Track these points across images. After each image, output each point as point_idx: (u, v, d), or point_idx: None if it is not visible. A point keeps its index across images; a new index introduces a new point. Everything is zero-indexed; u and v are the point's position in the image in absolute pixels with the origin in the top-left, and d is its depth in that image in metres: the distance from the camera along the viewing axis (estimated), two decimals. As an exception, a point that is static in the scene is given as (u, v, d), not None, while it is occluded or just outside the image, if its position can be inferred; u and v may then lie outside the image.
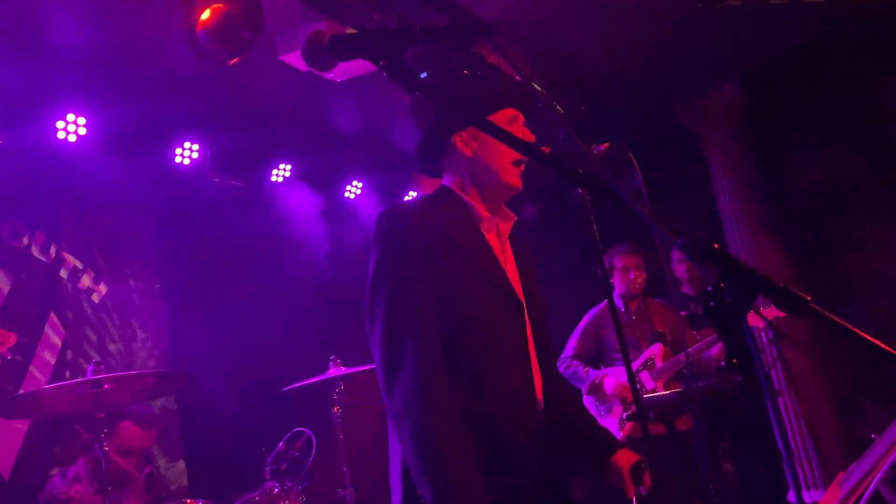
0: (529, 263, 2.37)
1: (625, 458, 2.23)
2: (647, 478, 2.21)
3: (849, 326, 1.16)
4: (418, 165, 2.41)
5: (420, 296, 2.06)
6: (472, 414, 2.02)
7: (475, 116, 2.03)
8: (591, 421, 2.42)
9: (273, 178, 6.64)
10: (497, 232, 2.29)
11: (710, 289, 1.21)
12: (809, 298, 1.19)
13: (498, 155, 2.23)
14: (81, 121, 5.18)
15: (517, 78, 2.11)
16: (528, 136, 2.28)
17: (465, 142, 2.25)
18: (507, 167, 2.25)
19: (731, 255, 1.23)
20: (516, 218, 2.35)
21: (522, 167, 2.27)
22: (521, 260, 2.33)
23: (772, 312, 4.21)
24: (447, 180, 2.32)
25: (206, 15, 3.92)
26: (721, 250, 1.21)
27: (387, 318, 2.05)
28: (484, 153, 2.24)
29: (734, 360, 1.19)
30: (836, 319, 1.17)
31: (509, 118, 2.27)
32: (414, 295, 2.06)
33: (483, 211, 2.24)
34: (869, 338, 1.16)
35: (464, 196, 2.25)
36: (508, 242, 2.32)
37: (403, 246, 2.11)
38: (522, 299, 2.22)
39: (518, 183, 2.28)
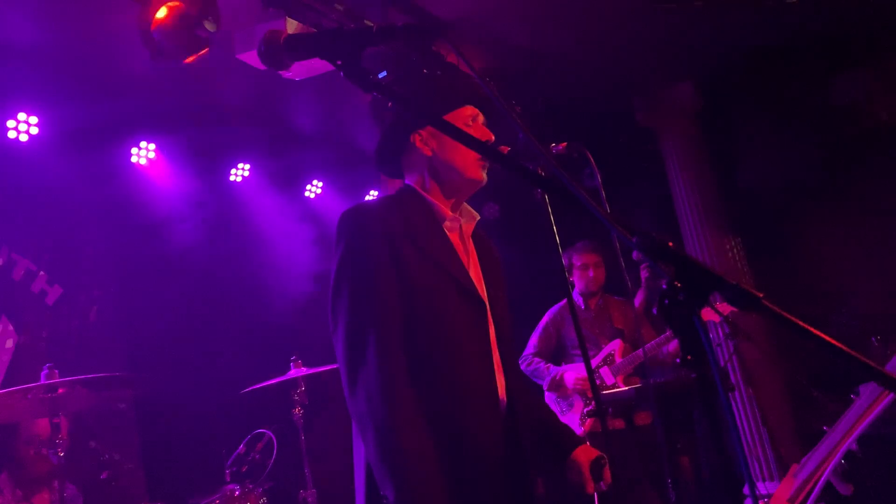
0: (493, 262, 2.37)
1: (584, 454, 2.26)
2: (606, 473, 2.24)
3: (801, 323, 1.19)
4: (378, 166, 2.39)
5: (382, 296, 2.06)
6: (434, 413, 2.02)
7: (433, 115, 2.04)
8: (552, 418, 2.44)
9: (231, 178, 6.58)
10: (460, 231, 2.28)
11: (664, 287, 1.23)
12: (762, 295, 1.21)
13: (459, 152, 2.22)
14: (33, 119, 5.08)
15: (475, 77, 2.13)
16: (486, 134, 2.27)
17: (424, 140, 2.24)
18: (470, 163, 2.23)
19: (686, 253, 1.25)
20: (479, 217, 2.35)
21: (485, 162, 2.26)
22: (484, 259, 2.33)
23: (727, 307, 4.28)
24: (409, 179, 2.31)
25: (161, 13, 3.87)
26: (676, 249, 1.23)
27: (349, 319, 2.05)
28: (444, 151, 2.23)
29: (688, 357, 1.21)
30: (789, 316, 1.20)
31: (469, 116, 2.26)
32: (376, 296, 2.05)
33: (446, 210, 2.24)
34: (820, 334, 1.18)
35: (426, 195, 2.25)
36: (471, 241, 2.32)
37: (365, 246, 2.10)
38: (485, 298, 2.22)
39: (482, 177, 2.27)
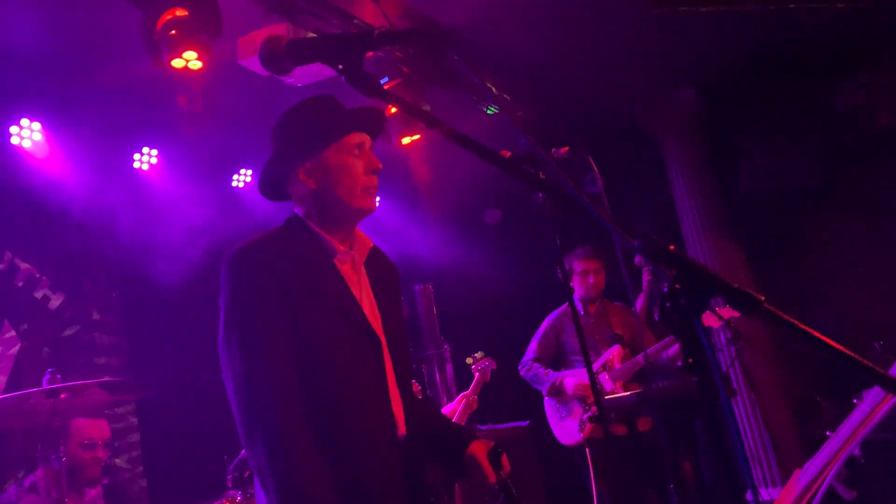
0: (388, 287, 2.32)
1: (480, 447, 2.22)
2: (505, 461, 2.20)
3: (803, 327, 1.19)
4: (260, 189, 2.30)
5: (273, 345, 2.01)
6: (334, 454, 2.01)
7: (316, 149, 2.11)
8: (445, 424, 2.39)
9: (234, 184, 6.59)
10: (352, 262, 2.23)
11: (665, 290, 1.23)
12: (763, 299, 1.21)
13: (343, 185, 2.16)
14: (36, 126, 5.09)
15: (478, 82, 2.13)
16: (374, 162, 2.21)
17: (308, 173, 2.17)
18: (356, 195, 2.18)
19: (687, 256, 1.25)
20: (372, 244, 2.29)
21: (374, 189, 2.21)
22: (379, 285, 2.28)
23: (728, 312, 4.28)
24: (297, 209, 2.25)
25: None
26: (677, 252, 1.23)
27: (242, 370, 2.00)
28: (329, 183, 2.16)
29: (689, 361, 1.21)
30: (791, 320, 1.20)
31: (355, 145, 2.19)
32: (267, 342, 2.01)
33: (336, 244, 2.18)
34: (823, 337, 1.18)
35: (314, 227, 2.19)
36: (364, 271, 2.26)
37: (252, 291, 2.05)
38: (381, 331, 2.19)
39: (371, 205, 2.21)
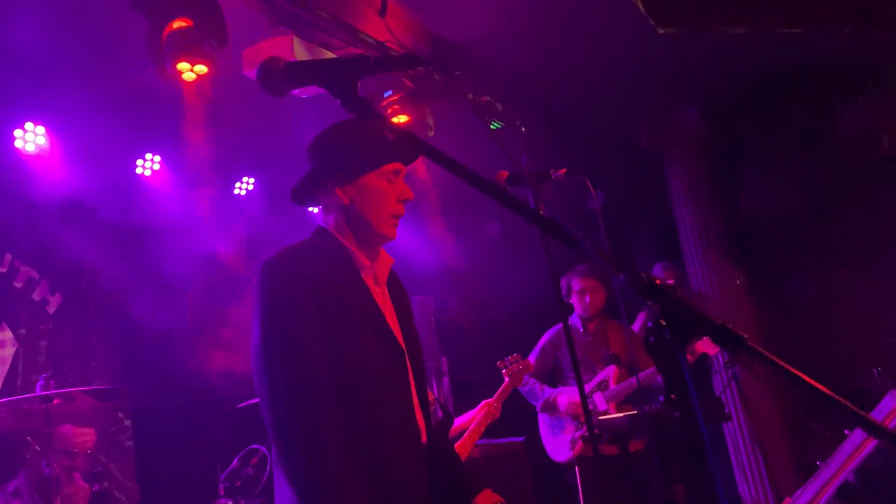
0: (405, 303, 2.44)
1: (484, 500, 2.33)
2: None
3: (786, 365, 1.19)
4: (293, 195, 2.40)
5: (312, 354, 2.09)
6: (365, 459, 2.10)
7: (357, 170, 2.24)
8: (458, 462, 2.48)
9: (236, 192, 6.61)
10: (375, 278, 2.33)
11: (650, 324, 1.23)
12: (747, 336, 1.21)
13: (374, 208, 2.28)
14: (40, 129, 5.12)
15: (470, 102, 2.15)
16: (406, 192, 2.32)
17: (344, 189, 2.29)
18: (383, 220, 2.29)
19: (673, 290, 1.25)
20: (393, 261, 2.41)
21: (398, 219, 2.32)
22: (397, 301, 2.39)
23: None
24: (324, 220, 2.35)
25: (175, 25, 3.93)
26: (663, 286, 1.24)
27: (283, 375, 2.07)
28: (362, 204, 2.28)
29: (672, 396, 1.21)
30: (773, 358, 1.20)
31: (391, 172, 2.30)
32: (306, 354, 2.09)
33: (363, 258, 2.29)
34: (805, 377, 1.18)
35: (342, 240, 2.29)
36: (386, 287, 2.37)
37: (291, 301, 2.14)
38: (403, 345, 2.29)
39: (392, 233, 2.32)
